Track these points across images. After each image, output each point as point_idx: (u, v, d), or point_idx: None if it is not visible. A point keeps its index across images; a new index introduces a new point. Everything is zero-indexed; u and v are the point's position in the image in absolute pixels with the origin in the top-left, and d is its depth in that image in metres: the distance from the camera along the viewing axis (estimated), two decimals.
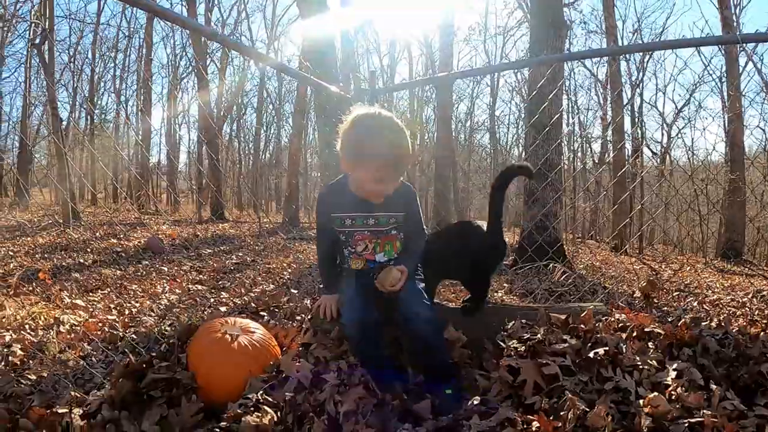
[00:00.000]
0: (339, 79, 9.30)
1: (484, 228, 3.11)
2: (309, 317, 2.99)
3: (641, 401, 2.22)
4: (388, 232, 2.82)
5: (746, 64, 21.35)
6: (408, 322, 2.66)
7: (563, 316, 2.86)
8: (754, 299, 6.81)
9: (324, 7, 9.89)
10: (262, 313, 3.28)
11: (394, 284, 2.65)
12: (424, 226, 2.94)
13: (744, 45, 21.25)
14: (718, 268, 13.93)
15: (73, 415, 2.21)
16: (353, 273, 2.89)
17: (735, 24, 20.54)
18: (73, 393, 2.43)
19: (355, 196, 2.75)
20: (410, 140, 2.66)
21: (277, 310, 3.37)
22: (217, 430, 2.08)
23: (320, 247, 3.05)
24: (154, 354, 2.70)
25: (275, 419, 2.19)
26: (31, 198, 21.75)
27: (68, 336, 3.76)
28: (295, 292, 4.06)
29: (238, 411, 2.21)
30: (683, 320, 2.94)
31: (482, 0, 29.02)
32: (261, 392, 2.35)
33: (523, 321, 2.90)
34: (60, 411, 2.24)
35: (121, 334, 3.75)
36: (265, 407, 2.23)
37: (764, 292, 7.28)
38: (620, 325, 2.95)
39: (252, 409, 2.23)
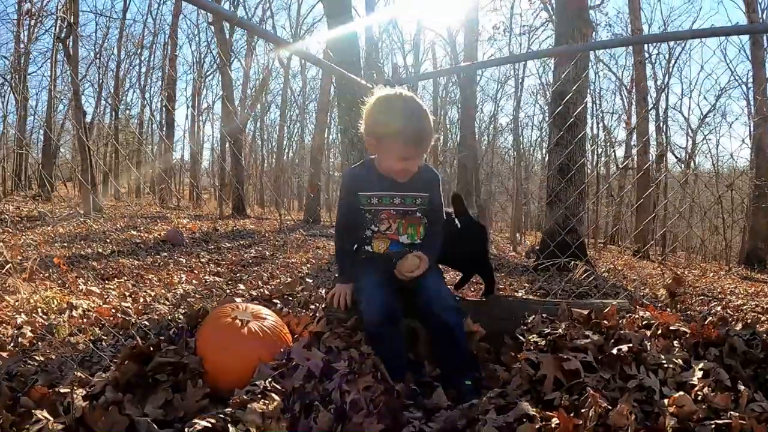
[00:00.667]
0: (362, 74, 9.27)
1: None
2: (323, 306, 2.93)
3: (666, 401, 2.12)
4: (413, 213, 2.81)
5: None
6: (430, 311, 2.63)
7: (585, 312, 2.78)
8: None
9: (348, 8, 9.88)
10: (275, 300, 3.22)
11: (412, 270, 2.63)
12: (444, 213, 2.92)
13: None
14: (741, 276, 13.76)
15: (75, 396, 2.15)
16: (374, 258, 2.87)
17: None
18: (77, 374, 2.38)
19: (381, 175, 2.78)
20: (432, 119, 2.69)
21: (291, 298, 3.31)
22: (222, 415, 2.01)
23: (339, 232, 3.05)
24: (162, 338, 2.64)
25: (282, 407, 2.12)
26: (54, 191, 21.97)
27: (80, 320, 3.75)
28: (311, 281, 3.99)
29: (245, 397, 2.13)
30: (710, 319, 2.83)
31: (507, 0, 28.36)
32: (269, 379, 2.27)
33: (543, 315, 2.82)
34: (62, 391, 2.19)
35: (133, 320, 3.70)
36: (273, 394, 2.16)
37: None
38: (644, 322, 2.86)
39: (259, 396, 2.15)
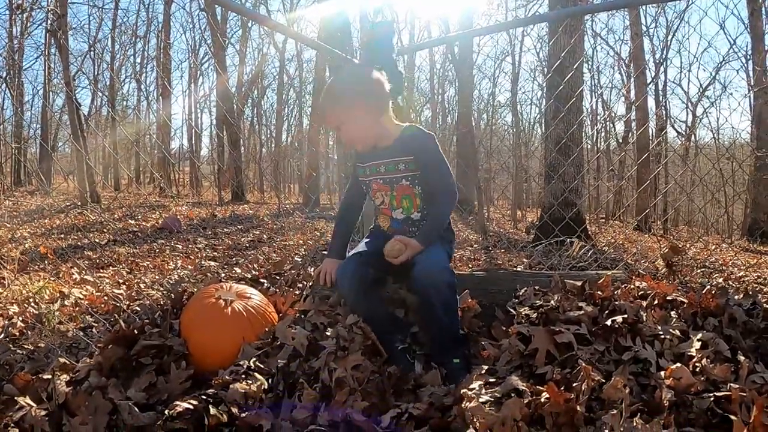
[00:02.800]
0: (358, 55, 9.19)
1: None
2: (310, 284, 2.88)
3: (662, 373, 2.07)
4: (399, 180, 2.71)
5: None
6: (417, 287, 2.56)
7: (579, 283, 2.74)
8: None
9: None
10: (262, 280, 3.17)
11: (396, 256, 2.54)
12: (450, 183, 2.70)
13: None
14: (743, 248, 13.72)
15: (58, 381, 2.12)
16: (375, 232, 2.87)
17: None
18: (61, 360, 2.34)
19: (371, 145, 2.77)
20: (369, 78, 2.70)
21: (278, 277, 3.26)
22: (204, 396, 1.96)
23: (339, 208, 3.08)
24: (147, 321, 2.60)
25: (265, 386, 2.08)
26: (52, 185, 21.97)
27: (72, 309, 3.73)
28: (299, 260, 3.94)
29: (227, 378, 2.10)
30: (708, 288, 2.77)
31: None
32: (254, 359, 2.24)
33: (536, 288, 2.77)
34: (45, 377, 2.16)
35: (124, 306, 3.66)
36: (256, 374, 2.13)
37: None
38: (641, 293, 2.81)
39: (242, 376, 2.12)
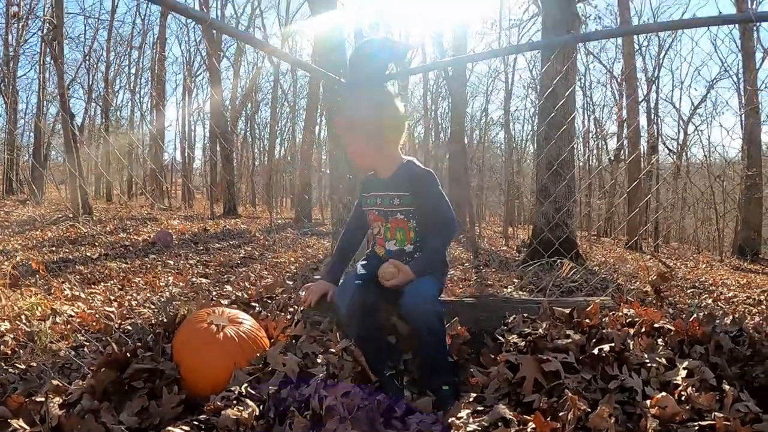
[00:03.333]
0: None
1: None
2: (301, 309, 2.90)
3: (648, 402, 2.09)
4: (394, 214, 2.72)
5: (763, 60, 21.15)
6: (406, 316, 2.60)
7: (567, 311, 2.76)
8: None
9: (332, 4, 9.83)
10: (253, 304, 3.19)
11: (388, 279, 2.56)
12: (449, 218, 2.70)
13: (760, 41, 21.05)
14: (734, 266, 13.82)
15: (51, 404, 2.14)
16: (371, 257, 2.88)
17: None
18: (54, 382, 2.36)
19: (373, 174, 2.83)
20: (389, 106, 2.71)
21: (269, 301, 3.28)
22: (196, 422, 1.98)
23: (344, 231, 3.08)
24: (139, 344, 2.61)
25: (256, 413, 2.10)
26: (44, 194, 21.91)
27: (63, 327, 3.72)
28: (290, 283, 3.96)
29: (219, 404, 2.12)
30: (695, 316, 2.80)
31: None
32: (245, 385, 2.26)
33: (524, 315, 2.79)
34: (38, 399, 2.18)
35: (115, 325, 3.67)
36: (248, 401, 2.15)
37: None
38: (628, 320, 2.83)
39: (234, 402, 2.14)
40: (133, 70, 32.31)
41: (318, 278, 3.02)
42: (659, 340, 2.61)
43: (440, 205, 2.67)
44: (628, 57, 19.53)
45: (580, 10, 20.41)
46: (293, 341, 2.64)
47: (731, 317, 2.94)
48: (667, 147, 28.39)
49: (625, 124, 22.37)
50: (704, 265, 13.12)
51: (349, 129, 2.74)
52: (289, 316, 2.91)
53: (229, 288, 5.78)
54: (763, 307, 5.96)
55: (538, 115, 14.36)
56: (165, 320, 2.88)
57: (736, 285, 8.55)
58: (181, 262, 7.90)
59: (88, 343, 3.37)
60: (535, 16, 24.44)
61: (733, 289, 7.76)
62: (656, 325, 2.74)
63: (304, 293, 2.90)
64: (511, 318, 2.77)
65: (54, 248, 8.56)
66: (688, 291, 7.34)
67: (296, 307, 3.07)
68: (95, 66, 29.71)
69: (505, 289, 6.69)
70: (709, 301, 6.52)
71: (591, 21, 25.83)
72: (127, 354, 2.42)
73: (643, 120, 24.47)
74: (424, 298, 2.50)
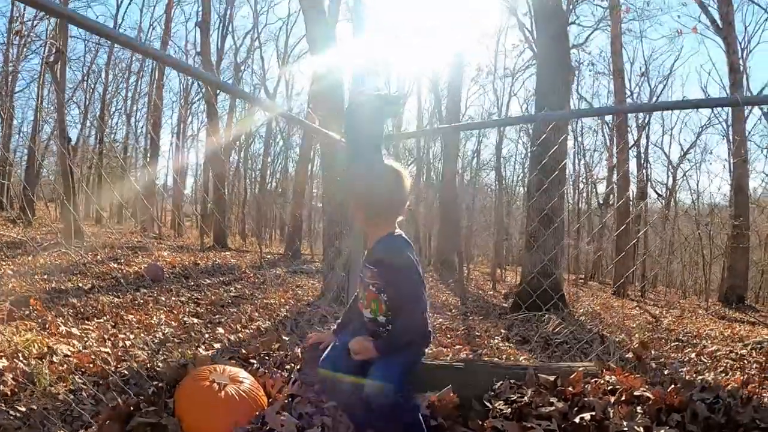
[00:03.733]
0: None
1: None
2: (298, 368, 3.00)
3: None
4: (368, 285, 2.74)
5: (750, 110, 21.53)
6: (366, 397, 2.57)
7: (552, 378, 2.86)
8: (753, 351, 6.76)
9: (331, 41, 9.99)
10: (252, 360, 3.29)
11: (356, 353, 2.62)
12: (410, 312, 2.63)
13: (749, 90, 21.44)
14: (719, 315, 13.91)
15: None
16: (360, 322, 2.90)
17: (741, 69, 20.78)
18: None
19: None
20: (388, 184, 2.73)
21: (267, 357, 3.38)
22: None
23: (354, 297, 3.09)
24: (142, 397, 2.71)
25: None
26: (35, 214, 21.85)
27: (60, 367, 3.76)
28: (287, 339, 4.05)
29: None
30: (673, 386, 2.92)
31: (492, 41, 28.94)
32: None
33: (511, 381, 2.89)
34: None
35: (112, 368, 3.74)
36: None
37: (764, 343, 7.23)
38: (609, 387, 2.93)
39: None
40: (130, 94, 32.54)
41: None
42: (638, 408, 2.71)
43: (401, 291, 2.64)
44: (620, 104, 19.81)
45: (574, 55, 20.83)
46: (290, 400, 2.74)
47: (713, 376, 3.05)
48: (656, 191, 28.76)
49: (614, 170, 22.64)
50: (689, 314, 13.22)
51: (348, 193, 2.81)
52: (285, 374, 3.01)
53: (221, 330, 5.84)
54: (745, 362, 6.05)
55: (529, 163, 14.59)
56: (168, 372, 2.97)
57: (720, 337, 8.64)
58: (173, 298, 7.96)
59: (85, 387, 3.43)
60: (529, 64, 24.92)
61: (717, 342, 7.84)
62: (636, 393, 2.84)
63: (311, 340, 3.00)
64: (498, 384, 2.87)
65: (46, 276, 8.58)
66: (672, 344, 7.43)
67: (292, 365, 3.18)
68: (92, 88, 29.90)
69: (492, 340, 6.78)
70: (693, 354, 6.60)
71: (584, 67, 26.28)
72: (130, 407, 2.51)
73: (632, 165, 24.83)
74: (378, 387, 2.51)
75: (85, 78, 29.11)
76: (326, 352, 2.80)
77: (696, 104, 3.60)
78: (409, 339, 2.65)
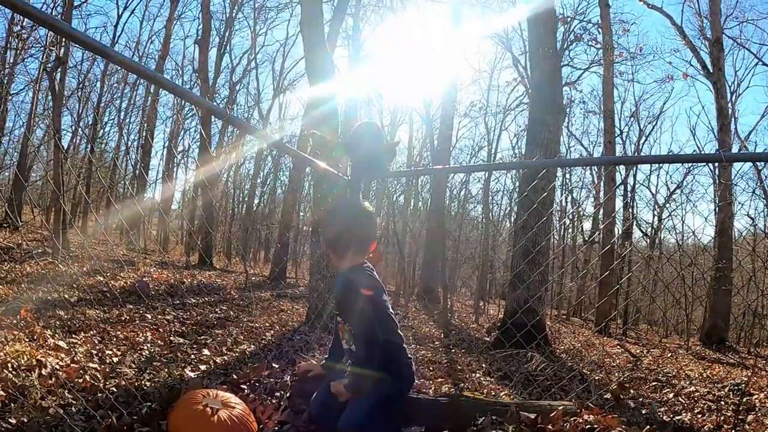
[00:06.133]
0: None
1: None
2: (287, 395, 3.07)
3: None
4: (337, 317, 2.87)
5: (739, 148, 21.89)
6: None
7: (532, 415, 2.94)
8: (731, 393, 6.83)
9: (328, 68, 10.09)
10: (242, 386, 3.35)
11: (337, 395, 2.71)
12: (373, 340, 2.68)
13: (737, 134, 21.82)
14: (700, 356, 13.97)
15: None
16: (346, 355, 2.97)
17: (730, 113, 21.10)
18: None
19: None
20: (359, 221, 2.87)
21: (257, 384, 3.45)
22: None
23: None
24: (135, 417, 2.76)
25: None
26: (22, 217, 21.73)
27: (49, 381, 3.79)
28: (276, 366, 4.11)
29: None
30: (649, 426, 3.00)
31: (486, 76, 29.38)
32: None
33: (493, 417, 2.97)
34: None
35: (101, 385, 3.78)
36: None
37: (742, 385, 7.30)
38: (588, 426, 3.01)
39: None
40: (124, 105, 32.53)
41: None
42: None
43: (364, 323, 2.70)
44: (609, 145, 20.00)
45: (566, 92, 21.08)
46: (280, 427, 2.81)
47: (689, 417, 3.13)
48: (641, 230, 28.99)
49: (601, 209, 22.82)
50: (670, 354, 13.30)
51: (322, 227, 2.89)
52: (275, 401, 3.08)
53: (207, 352, 5.89)
54: (722, 403, 6.12)
55: (517, 203, 14.73)
56: (161, 394, 3.03)
57: (699, 378, 8.70)
58: (159, 316, 7.99)
59: (75, 402, 3.46)
60: (521, 101, 25.25)
61: (696, 383, 7.90)
62: None
63: (302, 369, 3.10)
64: (481, 420, 2.95)
65: (33, 285, 8.59)
66: (652, 384, 7.50)
67: (282, 392, 3.25)
68: (87, 97, 29.86)
69: (474, 374, 6.85)
70: (671, 395, 6.67)
71: (575, 105, 26.59)
72: (124, 426, 2.57)
73: (618, 203, 25.05)
74: (348, 428, 2.62)
75: (81, 86, 29.04)
76: (316, 394, 2.88)
77: (681, 159, 3.77)
78: (368, 375, 2.68)
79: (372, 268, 2.88)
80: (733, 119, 24.75)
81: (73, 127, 29.54)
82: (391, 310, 2.86)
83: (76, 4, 20.12)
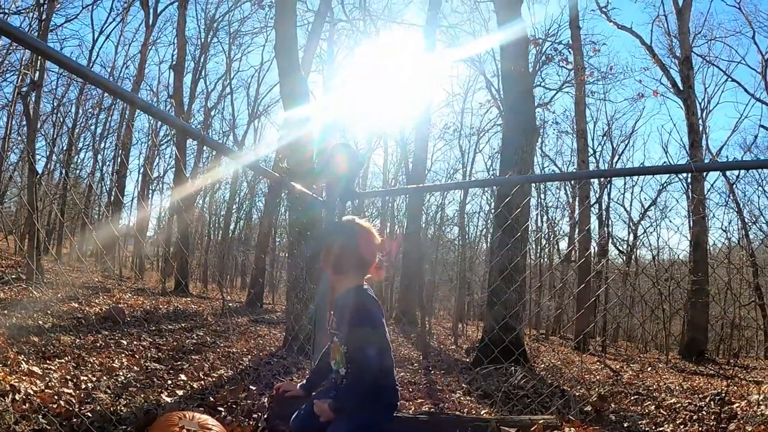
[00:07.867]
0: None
1: None
2: (264, 417, 3.03)
3: None
4: (332, 336, 2.81)
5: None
6: None
7: (513, 430, 2.92)
8: (711, 402, 6.86)
9: (303, 93, 10.12)
10: (219, 408, 3.31)
11: (319, 414, 2.65)
12: (365, 369, 2.63)
13: (709, 149, 22.11)
14: (679, 369, 14.05)
15: None
16: (331, 376, 2.92)
17: (700, 129, 21.43)
18: None
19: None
20: (360, 241, 2.81)
21: (234, 406, 3.41)
22: None
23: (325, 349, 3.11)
24: None
25: None
26: None
27: (23, 406, 3.74)
28: (254, 388, 4.07)
29: None
30: None
31: (459, 99, 29.78)
32: None
33: None
34: None
35: (76, 410, 3.73)
36: None
37: (722, 394, 7.32)
38: None
39: None
40: (98, 131, 32.31)
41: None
42: None
43: (361, 343, 2.64)
44: (582, 164, 20.16)
45: (539, 113, 21.30)
46: None
47: (668, 431, 3.14)
48: (617, 248, 29.25)
49: (576, 227, 22.98)
50: (650, 368, 13.36)
51: (321, 246, 2.87)
52: (252, 423, 3.04)
53: (183, 377, 5.82)
54: (704, 413, 6.14)
55: (493, 222, 14.83)
56: (137, 417, 2.98)
57: (680, 390, 8.73)
58: (134, 342, 7.90)
59: (49, 427, 3.41)
60: (495, 122, 25.53)
61: (677, 395, 7.91)
62: None
63: (281, 389, 3.03)
64: None
65: (6, 311, 8.48)
66: (632, 397, 7.51)
67: (259, 414, 3.21)
68: (61, 122, 29.65)
69: (453, 394, 6.82)
70: (652, 407, 6.69)
71: (548, 126, 26.90)
72: None
73: (594, 222, 25.29)
74: None
75: (55, 111, 28.85)
76: (297, 412, 2.83)
77: (652, 171, 3.78)
78: (357, 397, 2.64)
79: (371, 288, 2.85)
80: (704, 135, 25.21)
81: (48, 152, 29.33)
82: (388, 334, 2.82)
83: (51, 27, 20.00)
